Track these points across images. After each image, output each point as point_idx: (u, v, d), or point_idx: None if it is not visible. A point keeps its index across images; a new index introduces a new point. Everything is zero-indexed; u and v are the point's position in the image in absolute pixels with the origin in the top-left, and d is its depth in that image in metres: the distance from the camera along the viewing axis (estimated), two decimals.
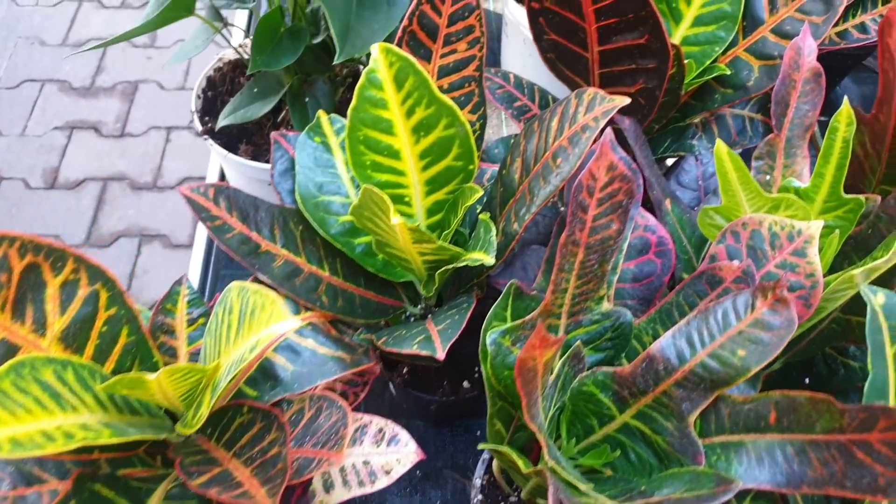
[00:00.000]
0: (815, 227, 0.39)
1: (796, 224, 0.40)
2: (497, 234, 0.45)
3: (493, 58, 0.91)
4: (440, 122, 0.45)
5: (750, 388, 0.42)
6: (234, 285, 0.36)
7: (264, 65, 0.53)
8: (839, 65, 0.86)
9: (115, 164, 1.54)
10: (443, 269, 0.44)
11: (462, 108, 0.54)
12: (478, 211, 0.55)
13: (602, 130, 0.42)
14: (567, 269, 0.39)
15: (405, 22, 0.48)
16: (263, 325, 0.32)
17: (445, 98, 0.45)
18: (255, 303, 0.34)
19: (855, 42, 0.63)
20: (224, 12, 0.62)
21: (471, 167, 0.48)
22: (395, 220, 0.37)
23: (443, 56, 0.52)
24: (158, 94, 1.64)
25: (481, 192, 0.44)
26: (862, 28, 0.63)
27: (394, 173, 0.47)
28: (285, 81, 0.59)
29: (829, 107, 0.98)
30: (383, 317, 0.52)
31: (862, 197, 0.44)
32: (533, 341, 0.30)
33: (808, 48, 0.48)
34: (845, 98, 0.44)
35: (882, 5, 0.63)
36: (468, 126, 0.46)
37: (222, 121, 0.59)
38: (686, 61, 0.51)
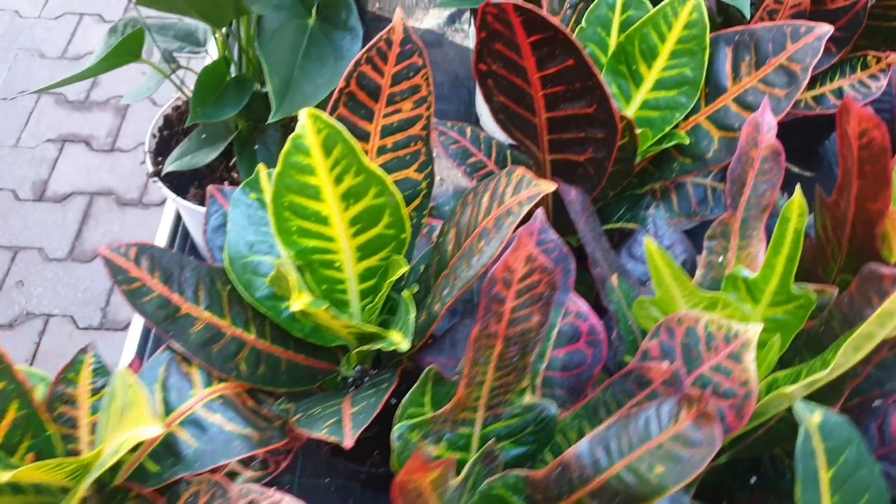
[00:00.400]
0: (752, 330, 0.36)
1: (734, 326, 0.37)
2: (424, 311, 0.43)
3: (469, 97, 0.89)
4: (370, 190, 0.43)
5: (684, 493, 0.39)
6: (121, 373, 0.34)
7: (205, 116, 0.51)
8: (827, 120, 0.83)
9: (103, 179, 1.54)
10: (359, 349, 0.42)
11: (408, 167, 0.51)
12: (421, 270, 0.52)
13: (535, 208, 0.40)
14: (483, 362, 0.37)
15: (342, 83, 0.46)
16: (130, 427, 0.30)
17: (375, 167, 0.43)
18: (130, 398, 0.31)
19: (831, 108, 0.60)
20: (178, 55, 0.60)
21: (403, 236, 0.46)
22: (296, 305, 0.35)
23: (386, 115, 0.50)
24: (151, 109, 1.63)
25: (406, 268, 0.42)
26: (839, 93, 0.61)
27: (322, 239, 0.45)
28: (235, 128, 0.58)
29: (817, 161, 0.95)
30: (312, 383, 0.50)
31: (813, 293, 0.41)
32: (412, 465, 0.28)
33: (766, 124, 0.46)
34: (797, 187, 0.41)
35: (861, 71, 0.60)
36: (399, 195, 0.44)
37: (168, 166, 0.57)
38: (639, 131, 0.49)
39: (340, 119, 0.47)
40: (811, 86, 0.62)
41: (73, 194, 1.51)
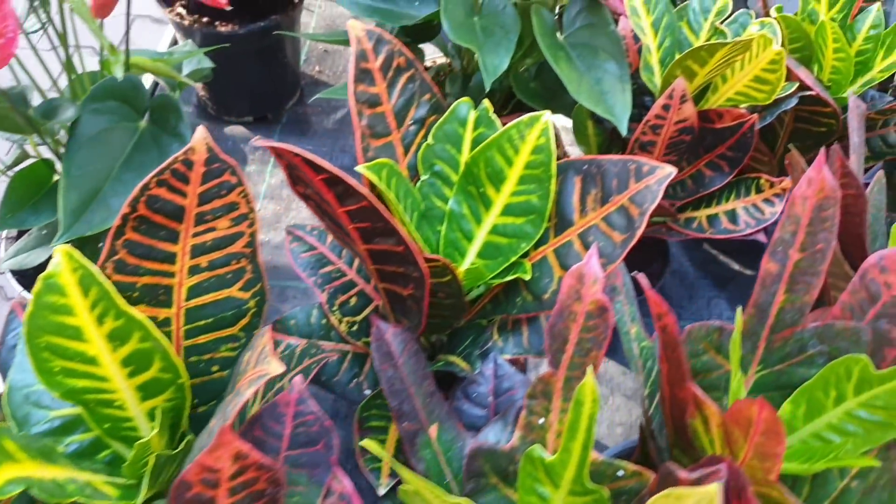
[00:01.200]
0: None
1: None
2: None
3: None
4: (133, 334, 0.39)
5: None
6: None
7: (17, 223, 0.48)
8: None
9: None
10: None
11: (230, 286, 0.48)
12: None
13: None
14: None
15: (126, 209, 0.42)
16: None
17: (135, 312, 0.39)
18: None
19: (722, 233, 0.55)
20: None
21: (180, 381, 0.41)
22: (10, 488, 0.31)
23: (197, 234, 0.46)
24: None
25: (156, 429, 0.38)
26: (732, 216, 0.55)
27: (94, 379, 0.41)
28: None
29: (759, 258, 0.89)
30: None
31: (606, 490, 0.35)
32: None
33: (592, 276, 0.40)
34: (589, 369, 0.36)
35: (755, 193, 0.55)
36: (166, 341, 0.40)
37: (3, 265, 0.55)
38: (464, 269, 0.44)
39: (128, 245, 0.43)
40: (707, 204, 0.56)
41: None
